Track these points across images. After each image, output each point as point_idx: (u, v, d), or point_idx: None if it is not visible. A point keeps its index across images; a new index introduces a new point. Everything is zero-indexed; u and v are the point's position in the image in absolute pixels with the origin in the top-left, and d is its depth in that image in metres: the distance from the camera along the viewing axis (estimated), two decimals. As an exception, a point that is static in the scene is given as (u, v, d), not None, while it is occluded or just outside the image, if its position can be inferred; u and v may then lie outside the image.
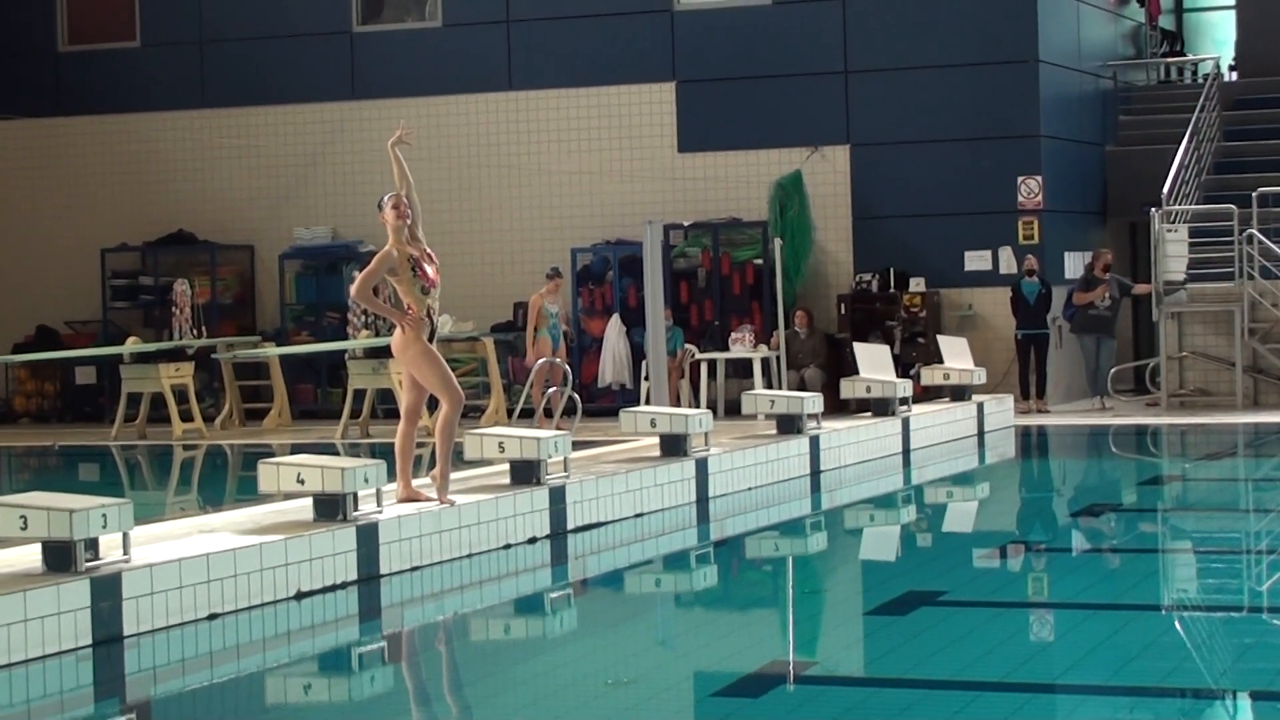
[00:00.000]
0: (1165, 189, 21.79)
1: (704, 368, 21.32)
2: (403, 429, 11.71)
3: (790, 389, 19.88)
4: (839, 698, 8.06)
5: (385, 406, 21.09)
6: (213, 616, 9.76)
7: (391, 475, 11.47)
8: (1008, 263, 21.94)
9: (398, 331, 11.64)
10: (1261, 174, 22.96)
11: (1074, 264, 22.69)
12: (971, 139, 22.04)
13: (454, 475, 12.09)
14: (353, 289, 11.96)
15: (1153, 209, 21.59)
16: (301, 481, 10.85)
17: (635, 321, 21.10)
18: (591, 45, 23.06)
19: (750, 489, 14.65)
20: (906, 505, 15.22)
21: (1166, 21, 28.02)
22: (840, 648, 9.40)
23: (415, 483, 11.74)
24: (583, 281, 22.47)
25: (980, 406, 19.25)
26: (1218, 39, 28.56)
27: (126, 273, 24.22)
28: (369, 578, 10.77)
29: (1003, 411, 19.87)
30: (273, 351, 21.66)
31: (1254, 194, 21.78)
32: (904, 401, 17.76)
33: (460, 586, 11.13)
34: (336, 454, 16.63)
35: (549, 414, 17.25)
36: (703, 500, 14.02)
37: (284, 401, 21.94)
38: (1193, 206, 22.39)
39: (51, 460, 19.91)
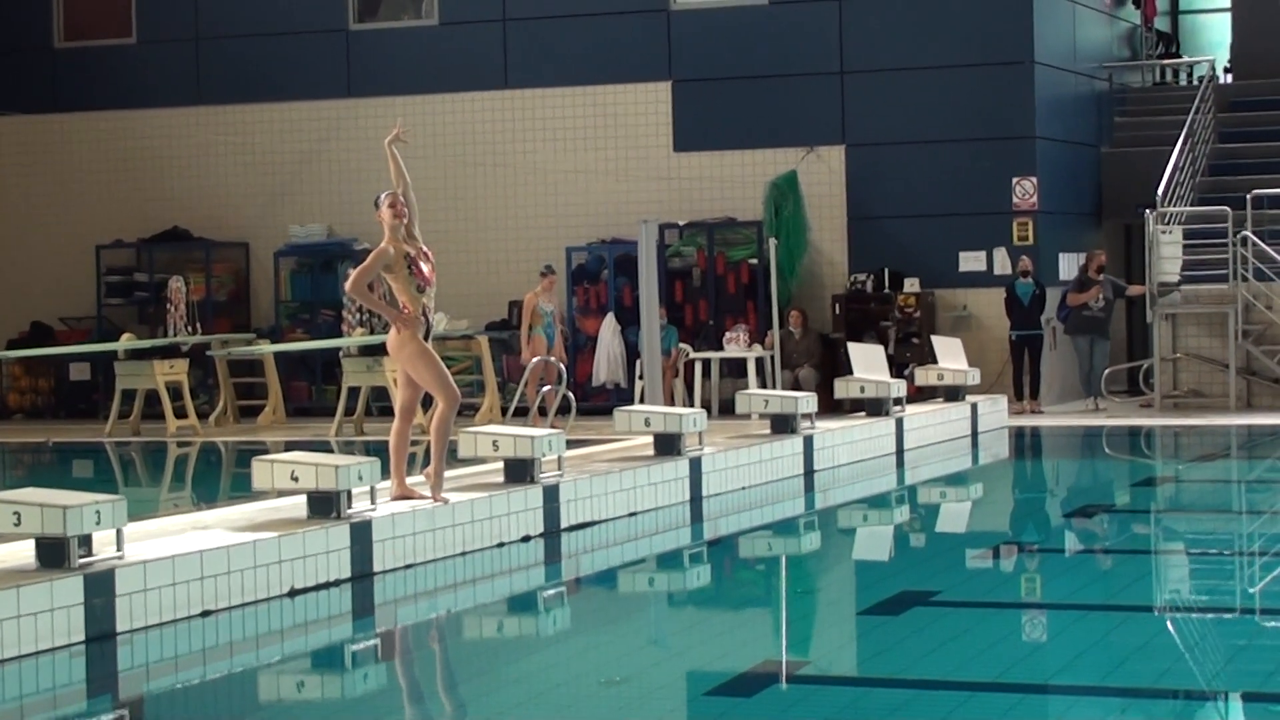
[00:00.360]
0: (1160, 190, 21.81)
1: (698, 367, 21.33)
2: (397, 427, 11.72)
3: (784, 389, 19.88)
4: (832, 697, 8.07)
5: (380, 404, 21.08)
6: (206, 613, 9.76)
7: (386, 473, 11.48)
8: (1002, 263, 21.96)
9: (393, 330, 11.64)
10: (1256, 176, 22.98)
11: (1068, 265, 22.71)
12: (967, 140, 22.06)
13: (448, 473, 12.09)
14: (347, 284, 11.95)
15: (1147, 210, 21.61)
16: (295, 479, 10.85)
17: (630, 321, 21.11)
18: (587, 44, 23.06)
19: (744, 488, 14.65)
20: (900, 505, 15.23)
21: (1162, 23, 28.05)
22: (833, 647, 9.40)
23: (409, 481, 11.75)
24: (578, 280, 22.47)
25: (974, 407, 19.26)
26: (1213, 41, 28.58)
27: (121, 269, 24.21)
28: (362, 575, 10.77)
29: (996, 412, 19.88)
30: (267, 349, 21.65)
31: (1248, 196, 21.80)
32: (898, 402, 17.77)
33: (454, 584, 11.13)
34: (331, 451, 16.63)
35: (543, 412, 17.25)
36: (696, 499, 14.02)
37: (278, 399, 21.94)
38: (1187, 208, 22.41)
39: (45, 456, 19.90)
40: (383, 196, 11.64)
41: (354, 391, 20.44)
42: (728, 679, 8.44)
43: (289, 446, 17.19)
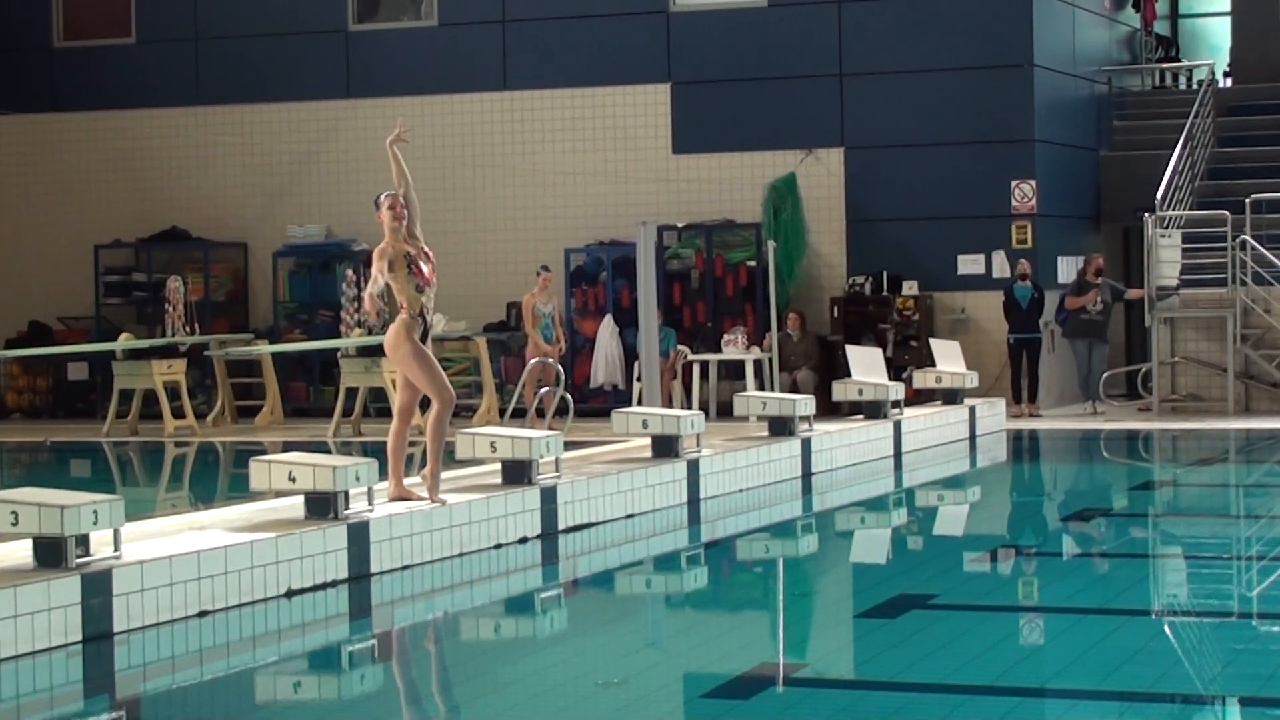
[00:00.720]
0: (1159, 194, 21.81)
1: (696, 369, 21.33)
2: (396, 428, 11.72)
3: (782, 391, 19.88)
4: (829, 700, 8.06)
5: (377, 405, 21.08)
6: (203, 614, 9.75)
7: (383, 474, 11.47)
8: (1001, 267, 21.96)
9: (390, 329, 11.64)
10: (1255, 180, 22.98)
11: (1067, 268, 22.71)
12: (966, 143, 22.06)
13: (446, 474, 12.09)
14: (365, 304, 11.91)
15: (1146, 214, 21.61)
16: (293, 479, 10.85)
17: (628, 322, 21.11)
18: (587, 46, 23.06)
19: (742, 491, 14.65)
20: (898, 508, 15.23)
21: (1162, 27, 28.05)
22: (830, 650, 9.40)
23: (406, 482, 11.74)
24: (576, 282, 22.47)
25: (972, 410, 19.26)
26: (1213, 45, 28.58)
27: (120, 269, 24.20)
28: (360, 576, 10.77)
29: (994, 415, 19.88)
30: (265, 349, 21.65)
31: (1247, 200, 21.80)
32: (896, 404, 17.77)
33: (451, 586, 11.12)
34: (328, 452, 16.63)
35: (541, 414, 17.24)
36: (694, 501, 14.02)
37: (276, 399, 21.94)
38: (1186, 212, 22.41)
39: (43, 456, 19.89)
40: (383, 197, 11.63)
41: (352, 392, 20.44)
42: (725, 681, 8.44)
43: (287, 447, 17.19)
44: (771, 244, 20.83)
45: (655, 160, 22.79)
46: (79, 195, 24.70)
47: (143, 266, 24.09)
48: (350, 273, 21.94)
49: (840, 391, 17.90)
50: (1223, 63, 27.32)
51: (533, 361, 18.14)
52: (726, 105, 22.61)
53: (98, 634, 9.14)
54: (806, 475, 15.67)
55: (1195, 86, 26.04)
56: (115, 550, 9.46)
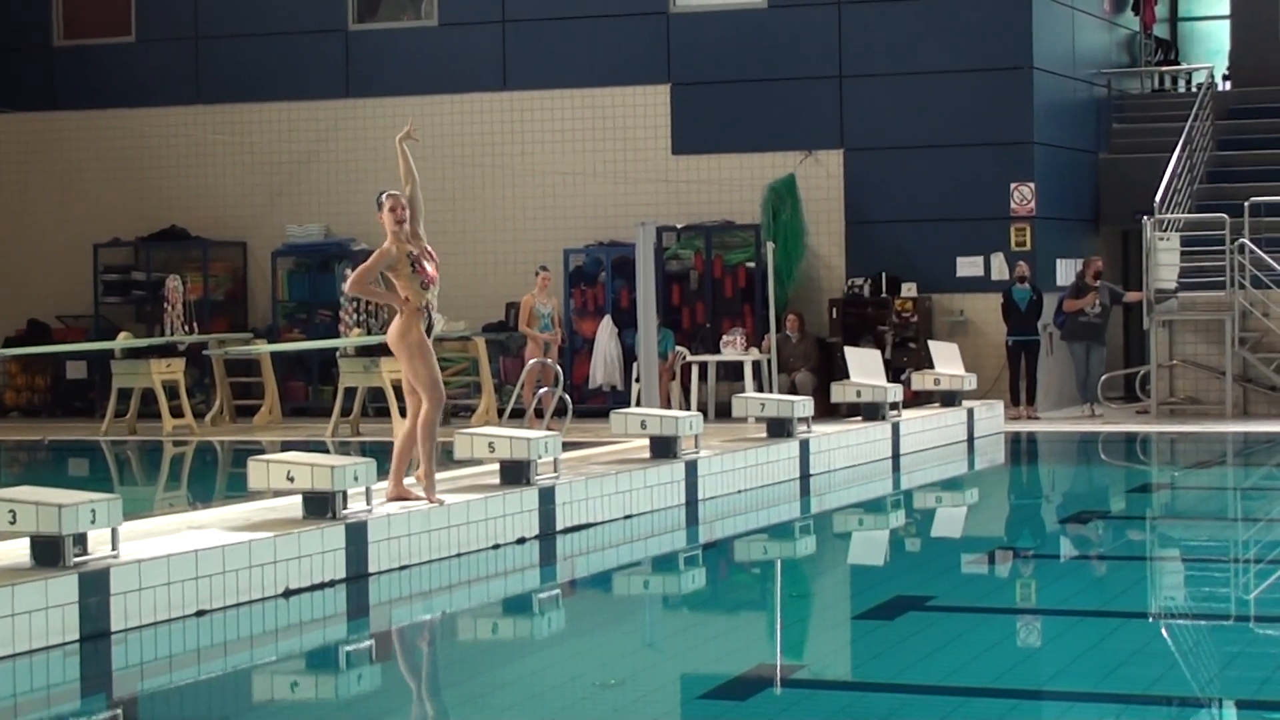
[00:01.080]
0: (1158, 197, 21.81)
1: (695, 370, 21.33)
2: (407, 429, 11.72)
3: (781, 392, 19.89)
4: (826, 701, 8.07)
5: (376, 405, 21.09)
6: (200, 613, 9.75)
7: (381, 474, 11.47)
8: (999, 269, 21.96)
9: (395, 320, 11.63)
10: (1254, 183, 22.99)
11: (1065, 271, 22.72)
12: (965, 145, 22.06)
13: (444, 475, 12.09)
14: (347, 284, 11.93)
15: (1145, 217, 21.62)
16: (291, 479, 10.85)
17: (627, 323, 21.11)
18: (586, 47, 23.06)
19: (740, 492, 14.65)
20: (895, 510, 15.23)
21: (1161, 30, 28.06)
22: (828, 651, 9.41)
23: (405, 482, 11.74)
24: (575, 282, 22.47)
25: (970, 412, 19.27)
26: (1212, 48, 28.59)
27: (119, 268, 24.20)
28: (357, 576, 10.77)
29: (993, 417, 19.89)
30: (264, 348, 21.65)
31: (1246, 203, 21.81)
32: (894, 406, 17.78)
33: (448, 586, 11.13)
34: (327, 452, 16.63)
35: (539, 414, 17.24)
36: (692, 503, 14.02)
37: (275, 399, 21.94)
38: (1185, 215, 22.42)
39: (41, 455, 19.89)
40: (384, 198, 11.62)
41: (350, 392, 20.44)
42: (722, 682, 8.44)
43: (285, 446, 17.18)
44: (770, 245, 20.81)
45: (654, 161, 22.79)
46: (78, 194, 24.70)
47: (142, 265, 24.09)
48: (349, 272, 21.91)
49: (839, 393, 17.90)
50: (1222, 66, 27.32)
51: (532, 362, 18.15)
52: (726, 106, 22.61)
53: (95, 633, 9.14)
54: (805, 477, 15.67)
55: (1194, 89, 26.05)
56: (113, 549, 9.46)
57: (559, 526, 12.52)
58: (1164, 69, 27.53)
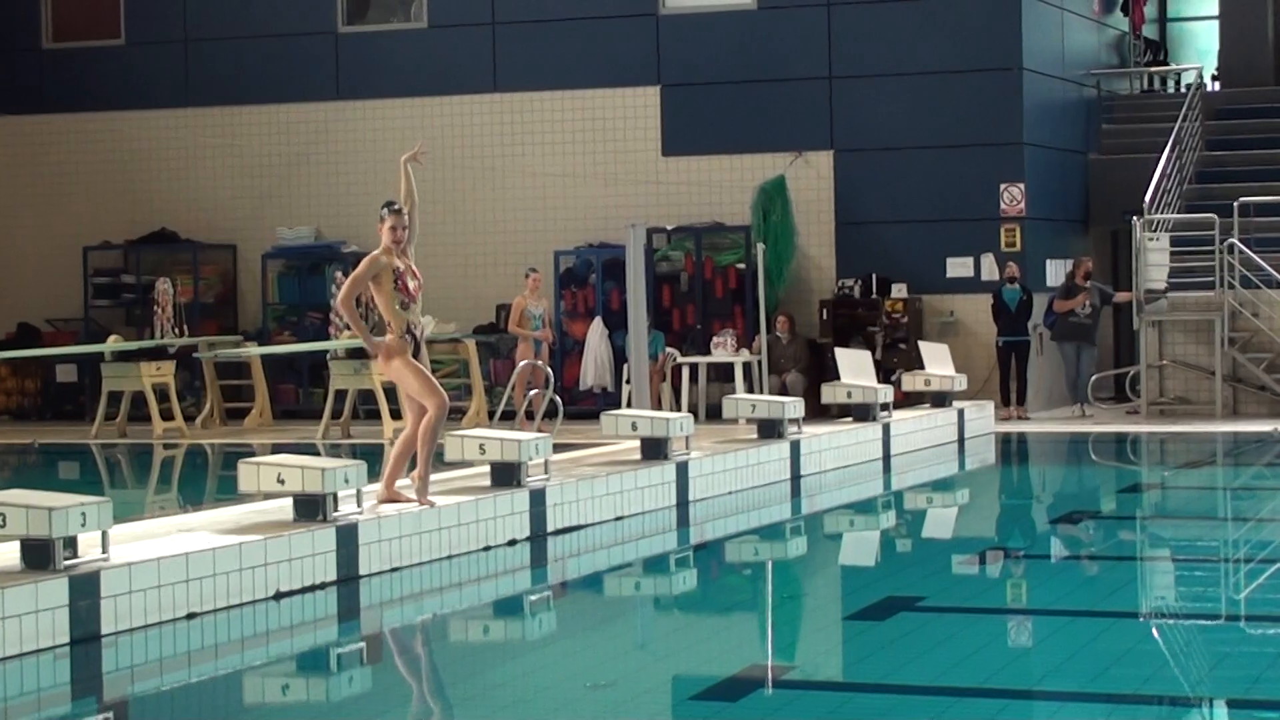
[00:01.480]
0: (1147, 198, 21.84)
1: (685, 371, 21.33)
2: (406, 433, 11.72)
3: (771, 394, 19.89)
4: (817, 702, 8.07)
5: (366, 407, 21.07)
6: (191, 616, 9.75)
7: (373, 476, 11.47)
8: (989, 269, 21.98)
9: (382, 351, 11.66)
10: (1243, 184, 23.03)
11: (1055, 271, 22.74)
12: (955, 146, 22.07)
13: (435, 477, 12.08)
14: (339, 298, 11.94)
15: (1134, 217, 21.64)
16: (282, 481, 10.85)
17: (617, 324, 21.11)
18: (576, 48, 23.06)
19: (731, 493, 14.66)
20: (886, 510, 15.24)
21: (1150, 31, 28.09)
22: (819, 652, 9.41)
23: (396, 484, 11.74)
24: (565, 284, 22.46)
25: (961, 413, 19.29)
26: (1201, 49, 28.63)
27: (108, 271, 24.17)
28: (348, 578, 10.76)
29: (983, 418, 19.91)
30: (254, 351, 21.63)
31: (1235, 204, 21.84)
32: (885, 407, 17.79)
33: (440, 588, 11.13)
34: (317, 454, 16.62)
35: (530, 416, 17.24)
36: (683, 504, 14.02)
37: (265, 401, 21.92)
38: (1174, 215, 22.45)
39: (31, 458, 19.86)
40: (387, 213, 11.62)
41: (341, 394, 20.42)
42: (713, 683, 8.44)
43: (275, 449, 17.18)
44: (761, 246, 20.84)
45: (645, 162, 22.79)
46: (68, 197, 24.67)
47: (131, 268, 24.05)
48: (340, 275, 21.91)
49: (829, 394, 17.91)
50: (1211, 67, 27.37)
51: (522, 364, 18.15)
52: (716, 108, 22.62)
53: (86, 636, 9.13)
54: (795, 478, 15.68)
55: (1183, 90, 26.08)
56: (103, 552, 9.45)
57: (550, 528, 12.52)
58: (1153, 70, 27.56)
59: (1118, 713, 7.78)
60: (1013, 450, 19.47)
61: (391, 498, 11.58)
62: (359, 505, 11.10)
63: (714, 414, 19.32)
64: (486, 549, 11.90)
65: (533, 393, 17.36)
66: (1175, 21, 29.31)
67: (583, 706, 8.10)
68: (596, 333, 21.78)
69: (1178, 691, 8.15)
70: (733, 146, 22.55)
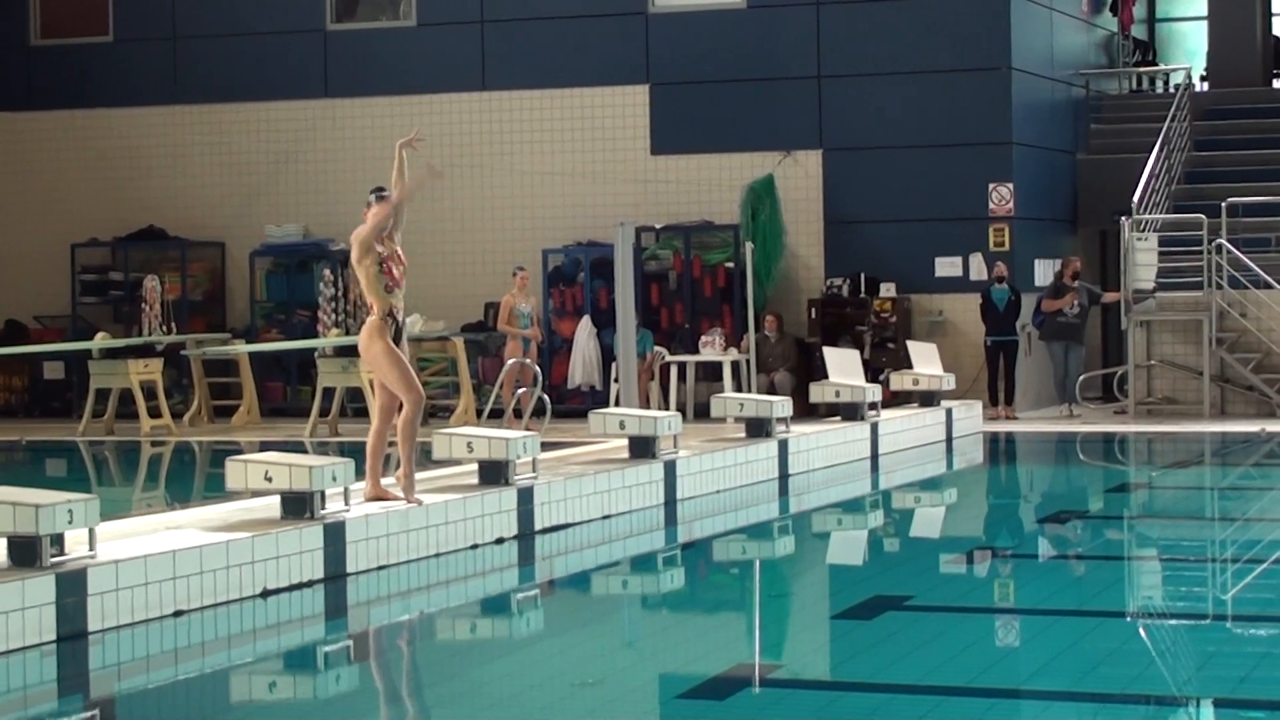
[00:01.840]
0: (1135, 198, 21.86)
1: (674, 370, 21.33)
2: (376, 428, 11.73)
3: (760, 393, 19.90)
4: (804, 701, 8.07)
5: (354, 405, 21.05)
6: (178, 613, 9.73)
7: (359, 474, 11.46)
8: (978, 269, 21.99)
9: (363, 330, 11.67)
10: (1231, 184, 23.06)
11: (1044, 271, 22.75)
12: (943, 145, 22.08)
13: (422, 475, 12.08)
14: (354, 252, 11.75)
15: (1123, 217, 21.66)
16: (269, 479, 10.83)
17: (606, 323, 21.10)
18: (565, 47, 23.05)
19: (719, 492, 14.66)
20: (874, 510, 15.25)
21: (1139, 31, 28.12)
22: (806, 651, 9.41)
23: (383, 482, 11.73)
24: (554, 282, 22.45)
25: (949, 412, 19.29)
26: (1189, 49, 28.67)
27: (96, 268, 24.14)
28: (335, 576, 10.75)
29: (971, 417, 19.92)
30: (242, 349, 21.61)
31: (1223, 204, 21.86)
32: (873, 406, 17.79)
33: (427, 586, 11.12)
34: (305, 452, 16.60)
35: (518, 414, 17.24)
36: (671, 502, 14.02)
37: (253, 399, 21.89)
38: (1162, 215, 22.47)
39: (18, 455, 19.83)
40: (376, 204, 11.61)
41: (329, 392, 20.41)
42: (700, 682, 8.44)
43: (263, 447, 17.16)
44: (749, 245, 20.84)
45: (633, 161, 22.78)
46: (55, 194, 24.62)
47: (119, 265, 24.01)
48: (328, 272, 21.92)
49: (817, 393, 17.91)
50: (1199, 67, 27.40)
51: (510, 362, 18.14)
52: (705, 107, 22.62)
53: (72, 633, 9.12)
54: (784, 477, 15.68)
55: (1172, 90, 26.11)
56: (90, 550, 9.44)
57: (538, 526, 12.51)
58: (1142, 70, 27.59)
59: (1104, 712, 7.78)
60: (1000, 450, 19.48)
61: (379, 495, 11.57)
62: (346, 503, 11.09)
63: (702, 413, 19.31)
64: (474, 547, 11.90)
65: (521, 391, 17.36)
66: (1164, 22, 29.34)
67: (570, 705, 8.10)
68: (585, 331, 21.77)
69: (1164, 691, 8.15)
70: (721, 145, 22.55)
